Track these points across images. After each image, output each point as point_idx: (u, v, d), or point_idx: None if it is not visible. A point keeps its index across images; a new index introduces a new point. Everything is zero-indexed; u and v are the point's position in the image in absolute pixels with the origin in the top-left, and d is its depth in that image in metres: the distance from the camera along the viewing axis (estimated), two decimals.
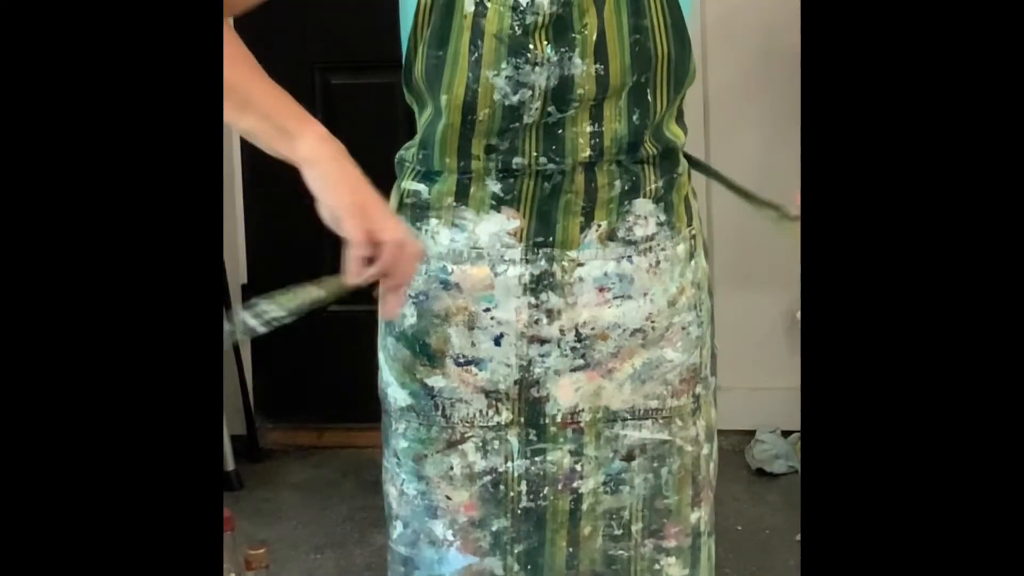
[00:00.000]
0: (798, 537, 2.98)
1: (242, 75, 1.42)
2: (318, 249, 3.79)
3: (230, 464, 3.48)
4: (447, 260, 1.52)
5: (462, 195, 1.50)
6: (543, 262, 1.50)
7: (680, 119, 1.55)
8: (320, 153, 1.37)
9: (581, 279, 1.51)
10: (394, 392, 1.59)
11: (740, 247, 3.60)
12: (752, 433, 3.56)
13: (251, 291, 3.79)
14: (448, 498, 1.56)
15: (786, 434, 3.55)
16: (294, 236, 3.72)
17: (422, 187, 1.53)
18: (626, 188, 1.50)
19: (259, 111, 1.42)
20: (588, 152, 1.46)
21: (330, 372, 3.76)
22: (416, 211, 1.54)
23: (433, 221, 1.53)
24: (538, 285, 1.51)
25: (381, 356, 1.62)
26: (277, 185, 3.77)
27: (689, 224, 1.58)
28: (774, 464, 3.47)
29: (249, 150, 3.65)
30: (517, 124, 1.45)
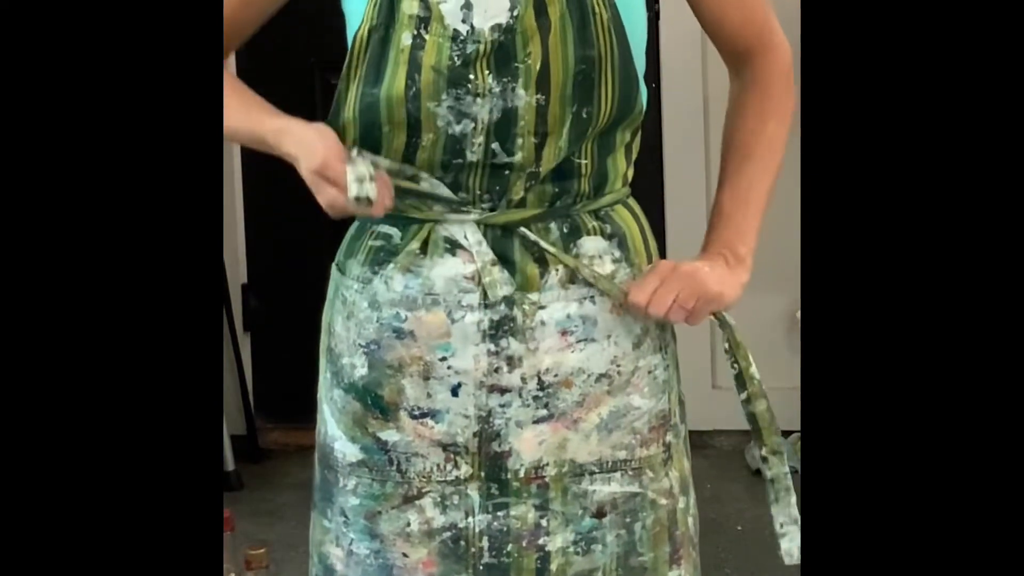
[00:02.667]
0: None
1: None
2: (318, 249, 3.80)
3: (230, 464, 3.48)
4: (400, 307, 1.46)
5: (426, 242, 1.45)
6: (503, 306, 1.44)
7: (628, 154, 1.50)
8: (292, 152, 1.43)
9: (543, 323, 1.45)
10: (342, 447, 1.51)
11: None
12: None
13: (251, 291, 3.79)
14: (405, 556, 1.48)
15: (786, 434, 3.54)
16: (294, 236, 3.72)
17: (394, 231, 1.47)
18: (565, 230, 1.45)
19: (244, 134, 1.50)
20: (522, 194, 1.43)
21: None
22: (379, 255, 1.47)
23: (390, 267, 1.46)
24: (498, 331, 1.44)
25: (326, 409, 1.54)
26: (277, 185, 3.78)
27: (649, 261, 1.51)
28: None
29: (249, 150, 3.65)
30: (460, 160, 1.41)
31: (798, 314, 3.46)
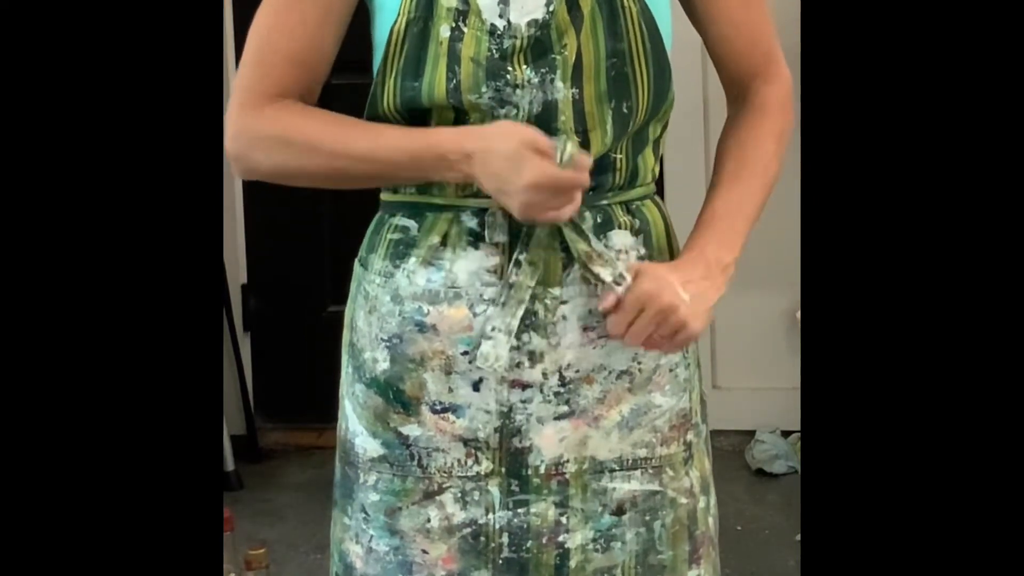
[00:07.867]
0: (798, 537, 2.98)
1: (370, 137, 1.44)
2: (318, 249, 3.80)
3: (230, 464, 3.48)
4: (423, 301, 1.45)
5: (447, 235, 1.45)
6: (525, 301, 1.43)
7: (656, 148, 1.50)
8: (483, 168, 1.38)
9: (564, 318, 1.44)
10: (363, 442, 1.52)
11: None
12: (752, 433, 3.56)
13: (251, 291, 3.80)
14: (425, 552, 1.48)
15: (786, 434, 3.54)
16: (294, 236, 3.73)
17: (411, 223, 1.47)
18: (598, 220, 1.45)
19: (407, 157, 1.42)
20: None
21: (330, 372, 3.75)
22: (398, 248, 1.47)
23: (412, 260, 1.46)
24: (520, 325, 1.44)
25: (347, 404, 1.55)
26: (277, 185, 3.78)
27: (671, 258, 1.50)
28: (774, 464, 3.47)
29: None
30: None
31: (798, 314, 3.47)
